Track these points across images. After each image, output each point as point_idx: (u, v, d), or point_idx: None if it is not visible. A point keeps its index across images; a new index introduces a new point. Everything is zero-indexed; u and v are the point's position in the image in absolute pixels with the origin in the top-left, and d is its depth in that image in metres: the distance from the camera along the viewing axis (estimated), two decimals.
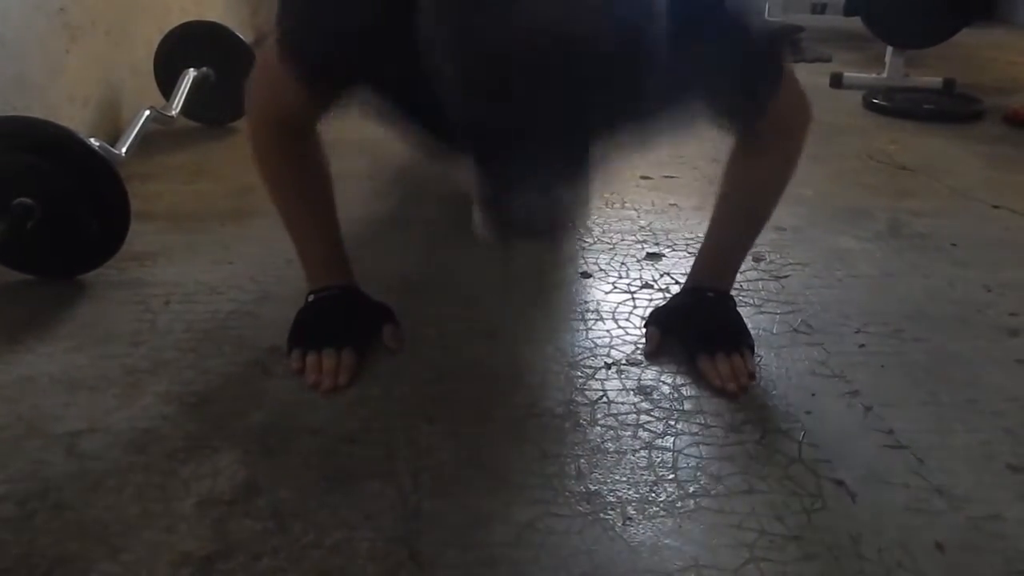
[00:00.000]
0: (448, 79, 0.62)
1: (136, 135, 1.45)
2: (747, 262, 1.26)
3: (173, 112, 1.68)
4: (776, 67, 0.87)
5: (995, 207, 1.53)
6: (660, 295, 1.17)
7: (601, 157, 0.65)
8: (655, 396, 0.93)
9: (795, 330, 1.08)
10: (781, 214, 1.34)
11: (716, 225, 1.03)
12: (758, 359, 1.00)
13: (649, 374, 0.97)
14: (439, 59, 0.61)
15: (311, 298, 1.01)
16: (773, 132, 0.91)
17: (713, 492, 0.78)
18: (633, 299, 1.16)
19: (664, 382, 0.96)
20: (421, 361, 0.99)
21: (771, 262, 1.28)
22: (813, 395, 0.94)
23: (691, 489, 0.78)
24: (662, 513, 0.75)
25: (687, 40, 0.64)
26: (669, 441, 0.85)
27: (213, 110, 1.89)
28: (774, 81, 0.86)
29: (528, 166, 0.62)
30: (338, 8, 0.78)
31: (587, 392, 0.93)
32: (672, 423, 0.88)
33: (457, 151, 0.69)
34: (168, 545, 0.71)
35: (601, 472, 0.80)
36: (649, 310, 1.10)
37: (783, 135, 0.93)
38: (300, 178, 0.99)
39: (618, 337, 1.05)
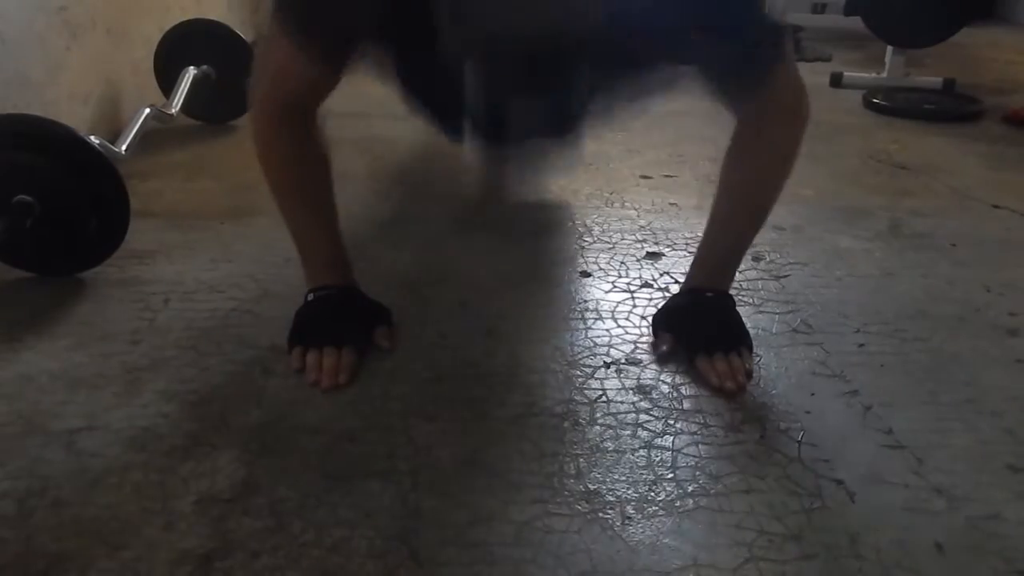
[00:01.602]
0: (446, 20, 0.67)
1: (136, 133, 1.45)
2: (746, 261, 1.26)
3: (173, 110, 1.68)
4: (776, 40, 0.89)
5: (995, 207, 1.53)
6: (660, 294, 1.17)
7: (594, 98, 0.71)
8: (654, 395, 0.93)
9: (795, 330, 1.08)
10: (780, 213, 1.34)
11: (715, 223, 1.03)
12: (757, 359, 1.00)
13: (648, 373, 0.97)
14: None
15: (310, 297, 1.01)
16: (771, 113, 0.92)
17: (712, 491, 0.78)
18: (633, 298, 1.16)
19: (663, 381, 0.96)
20: (420, 360, 0.99)
21: (771, 261, 1.28)
22: (812, 395, 0.94)
23: (690, 488, 0.78)
24: (661, 512, 0.75)
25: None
26: (668, 440, 0.85)
27: (213, 108, 1.89)
28: (773, 53, 0.88)
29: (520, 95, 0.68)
30: None
31: (586, 391, 0.94)
32: (671, 422, 0.88)
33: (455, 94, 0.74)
34: (167, 543, 0.71)
35: (600, 471, 0.81)
36: (649, 309, 1.10)
37: (781, 119, 0.94)
38: (302, 170, 0.99)
39: (617, 336, 1.05)
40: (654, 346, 1.02)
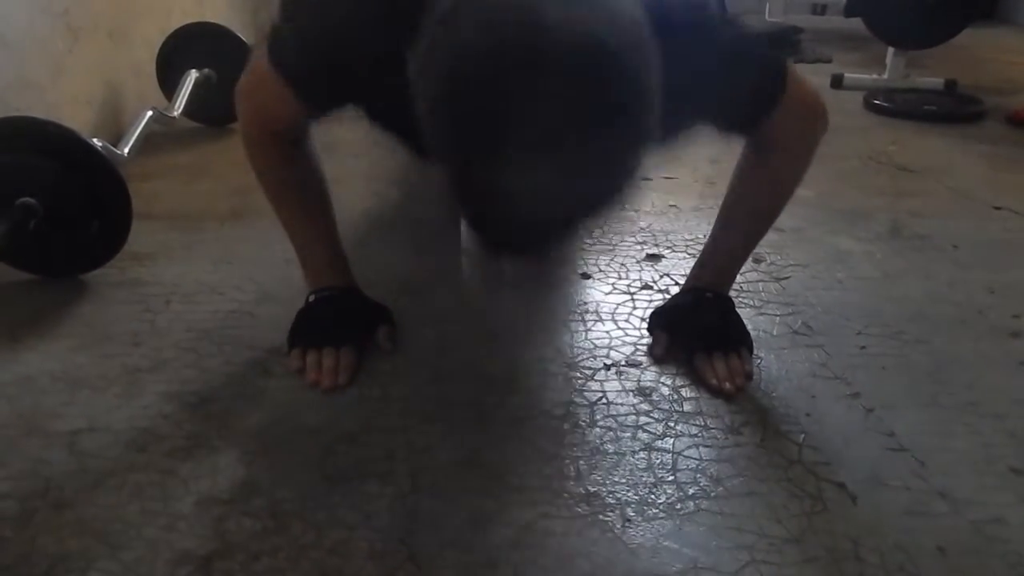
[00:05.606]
0: (429, 129, 0.61)
1: (138, 135, 1.45)
2: (747, 263, 1.25)
3: (175, 113, 1.68)
4: (774, 82, 0.86)
5: (996, 208, 1.53)
6: (660, 296, 1.17)
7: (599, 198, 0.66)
8: (654, 397, 0.93)
9: (795, 332, 1.08)
10: (781, 215, 1.33)
11: (721, 227, 1.03)
12: (758, 361, 1.00)
13: (648, 375, 0.97)
14: (422, 109, 0.61)
15: (311, 298, 1.01)
16: (780, 138, 0.91)
17: (713, 494, 0.78)
18: (632, 300, 1.16)
19: (664, 383, 0.96)
20: (420, 362, 0.99)
21: (771, 263, 1.28)
22: (813, 397, 0.94)
23: (690, 491, 0.78)
24: (661, 515, 0.75)
25: (681, 76, 0.63)
26: (668, 443, 0.85)
27: (214, 111, 1.89)
28: (772, 97, 0.86)
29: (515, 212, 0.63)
30: (335, 33, 0.78)
31: (586, 393, 0.93)
32: (672, 425, 0.88)
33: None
34: (167, 544, 0.71)
35: (600, 473, 0.80)
36: (649, 311, 1.10)
37: (791, 139, 0.92)
38: (296, 183, 0.99)
39: (617, 338, 1.05)
40: (650, 346, 1.02)
